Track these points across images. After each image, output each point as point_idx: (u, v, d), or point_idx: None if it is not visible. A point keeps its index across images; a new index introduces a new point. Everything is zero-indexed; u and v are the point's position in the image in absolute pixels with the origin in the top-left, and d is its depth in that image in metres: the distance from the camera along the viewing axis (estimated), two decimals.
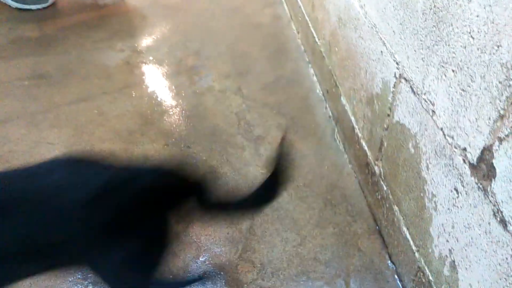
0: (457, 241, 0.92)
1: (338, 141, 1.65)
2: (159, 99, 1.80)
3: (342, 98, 1.60)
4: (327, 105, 1.80)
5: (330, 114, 1.76)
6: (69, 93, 1.81)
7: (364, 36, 1.34)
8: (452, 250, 0.94)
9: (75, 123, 1.66)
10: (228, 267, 1.24)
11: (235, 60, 2.06)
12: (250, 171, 1.52)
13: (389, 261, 1.28)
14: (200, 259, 1.25)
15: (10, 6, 2.31)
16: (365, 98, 1.39)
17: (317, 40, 1.90)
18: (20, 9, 2.31)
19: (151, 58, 2.04)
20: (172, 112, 1.75)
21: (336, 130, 1.69)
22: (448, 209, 0.94)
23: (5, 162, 1.50)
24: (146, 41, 2.15)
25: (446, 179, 0.94)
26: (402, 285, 1.22)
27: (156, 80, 1.91)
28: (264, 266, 1.25)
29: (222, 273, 1.23)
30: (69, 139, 1.59)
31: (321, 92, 1.88)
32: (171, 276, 1.20)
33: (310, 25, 2.00)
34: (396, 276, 1.24)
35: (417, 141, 1.06)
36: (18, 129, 1.63)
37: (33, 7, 2.32)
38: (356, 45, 1.42)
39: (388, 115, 1.22)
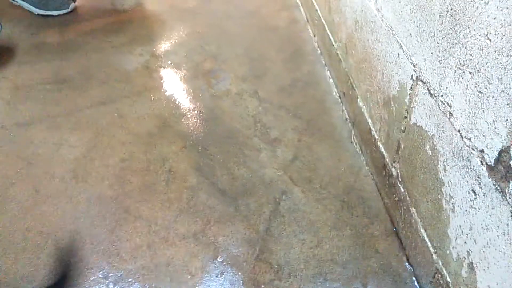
0: (475, 242, 0.92)
1: (354, 143, 1.66)
2: (177, 102, 1.83)
3: (358, 101, 1.61)
4: (343, 108, 1.81)
5: (347, 116, 1.76)
6: (90, 96, 1.85)
7: (380, 39, 1.35)
8: (470, 251, 0.94)
9: (96, 126, 1.70)
10: (246, 267, 1.26)
11: (252, 63, 2.08)
12: (267, 173, 1.54)
13: (407, 263, 1.28)
14: (218, 259, 1.27)
15: (32, 12, 2.37)
16: (382, 100, 1.39)
17: (333, 42, 1.91)
18: (42, 15, 2.38)
19: (169, 62, 2.07)
20: (190, 115, 1.77)
21: (352, 132, 1.69)
22: (466, 210, 0.94)
23: (29, 164, 1.54)
24: (164, 46, 2.19)
25: (464, 180, 0.94)
26: (420, 287, 1.22)
27: (174, 84, 1.94)
28: (281, 266, 1.26)
29: (239, 273, 1.24)
30: (90, 142, 1.63)
31: (337, 94, 1.89)
32: (189, 276, 1.22)
33: (326, 28, 2.01)
34: (414, 278, 1.24)
35: (434, 143, 1.06)
36: (40, 131, 1.68)
37: (55, 13, 2.38)
38: (373, 47, 1.42)
39: (405, 117, 1.22)
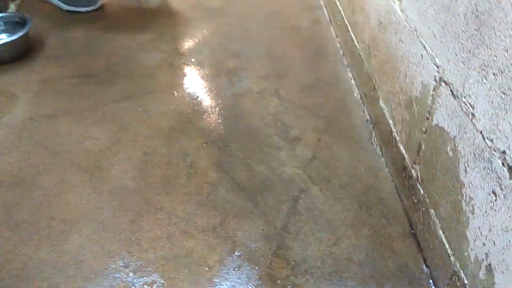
0: (494, 244, 0.92)
1: (375, 144, 1.66)
2: (199, 99, 1.86)
3: (380, 102, 1.61)
4: (364, 108, 1.81)
5: (368, 117, 1.77)
6: (115, 91, 1.89)
7: (404, 40, 1.35)
8: (488, 253, 0.94)
9: (120, 120, 1.74)
10: (263, 262, 1.27)
11: (274, 62, 2.10)
12: (286, 171, 1.55)
13: (424, 265, 1.27)
14: (236, 253, 1.29)
15: (61, 8, 2.44)
16: (404, 101, 1.39)
17: (356, 43, 1.91)
18: (71, 11, 2.44)
19: (192, 60, 2.10)
20: (211, 112, 1.80)
21: (373, 134, 1.69)
22: (486, 212, 0.94)
23: (54, 154, 1.59)
24: (188, 43, 2.22)
25: (484, 182, 0.94)
26: None
27: (197, 81, 1.97)
28: (298, 263, 1.27)
29: (256, 268, 1.26)
30: (114, 135, 1.67)
31: (358, 95, 1.89)
32: (207, 268, 1.25)
33: (349, 28, 2.01)
34: (430, 280, 1.24)
35: (456, 144, 1.06)
36: (67, 123, 1.72)
37: (83, 9, 2.44)
38: (396, 48, 1.43)
39: (427, 119, 1.22)
